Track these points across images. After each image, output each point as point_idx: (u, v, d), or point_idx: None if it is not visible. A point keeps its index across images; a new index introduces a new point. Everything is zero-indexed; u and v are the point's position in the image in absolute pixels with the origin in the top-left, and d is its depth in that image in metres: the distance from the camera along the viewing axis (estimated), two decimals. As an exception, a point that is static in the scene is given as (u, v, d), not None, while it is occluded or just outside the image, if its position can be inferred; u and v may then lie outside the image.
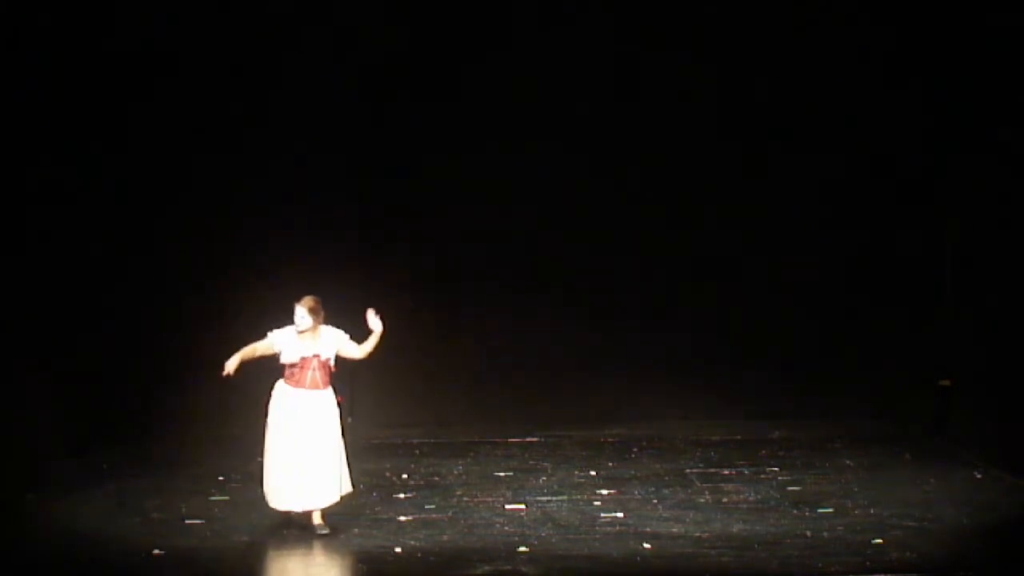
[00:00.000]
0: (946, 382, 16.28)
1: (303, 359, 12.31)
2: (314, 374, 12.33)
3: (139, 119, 15.90)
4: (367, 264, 16.54)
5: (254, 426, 16.01)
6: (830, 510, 13.04)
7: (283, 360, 12.35)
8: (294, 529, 12.36)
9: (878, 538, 12.07)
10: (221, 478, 14.31)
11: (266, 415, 12.41)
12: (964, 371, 15.97)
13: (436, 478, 14.44)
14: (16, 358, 14.45)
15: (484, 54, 16.47)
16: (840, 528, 12.45)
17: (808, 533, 12.31)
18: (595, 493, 13.76)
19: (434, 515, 12.97)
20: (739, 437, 15.97)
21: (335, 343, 12.39)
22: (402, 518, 12.84)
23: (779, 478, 14.12)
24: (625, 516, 12.89)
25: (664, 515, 12.90)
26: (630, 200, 16.63)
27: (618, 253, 16.58)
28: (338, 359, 12.43)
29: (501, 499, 13.55)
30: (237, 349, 12.32)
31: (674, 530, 12.46)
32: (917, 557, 11.57)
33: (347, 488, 12.42)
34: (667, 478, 13.60)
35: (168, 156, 16.10)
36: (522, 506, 13.28)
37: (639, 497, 13.61)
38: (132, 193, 16.01)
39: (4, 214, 14.56)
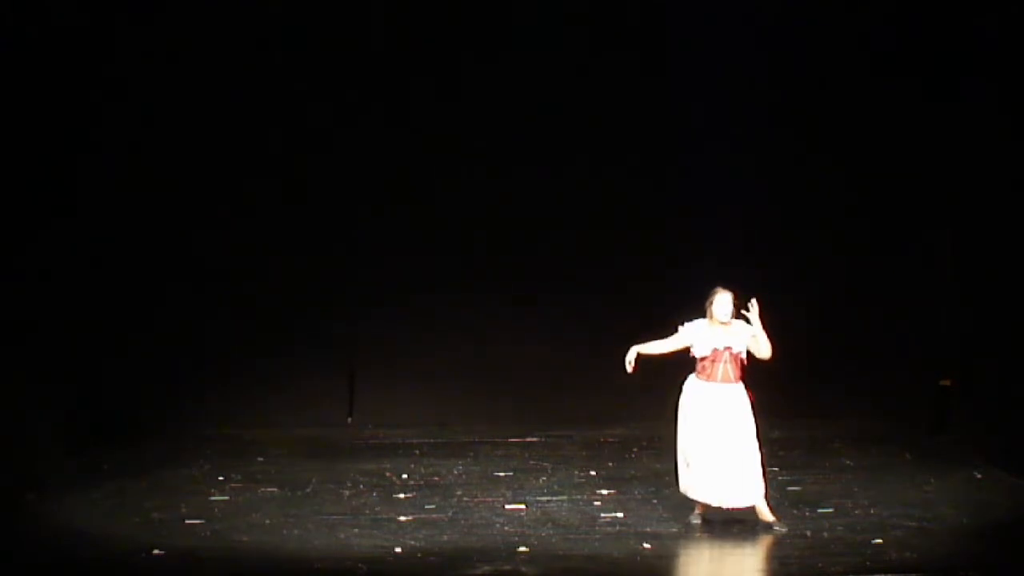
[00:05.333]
0: (946, 382, 16.27)
1: (715, 351, 12.36)
2: (725, 367, 12.37)
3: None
4: (365, 264, 16.54)
5: (253, 426, 16.13)
6: (830, 510, 13.04)
7: (695, 353, 12.40)
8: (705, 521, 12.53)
9: (878, 538, 12.07)
10: (221, 478, 14.29)
11: (676, 409, 12.47)
12: (964, 371, 15.96)
13: (436, 478, 14.42)
14: (15, 358, 14.44)
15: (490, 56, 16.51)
16: (840, 528, 12.45)
17: (808, 533, 12.31)
18: (595, 493, 13.75)
19: (434, 515, 12.96)
20: (739, 437, 15.94)
21: (747, 337, 12.40)
22: (402, 518, 12.83)
23: (779, 478, 14.10)
24: (625, 516, 12.88)
25: (664, 515, 12.89)
26: (631, 201, 16.61)
27: (618, 253, 16.56)
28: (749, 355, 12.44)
29: (501, 499, 13.54)
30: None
31: (674, 530, 12.46)
32: (917, 557, 11.57)
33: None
34: (667, 478, 13.56)
35: (166, 164, 16.16)
36: (522, 506, 13.27)
37: (639, 497, 13.61)
38: (132, 197, 16.02)
39: (6, 215, 14.56)
